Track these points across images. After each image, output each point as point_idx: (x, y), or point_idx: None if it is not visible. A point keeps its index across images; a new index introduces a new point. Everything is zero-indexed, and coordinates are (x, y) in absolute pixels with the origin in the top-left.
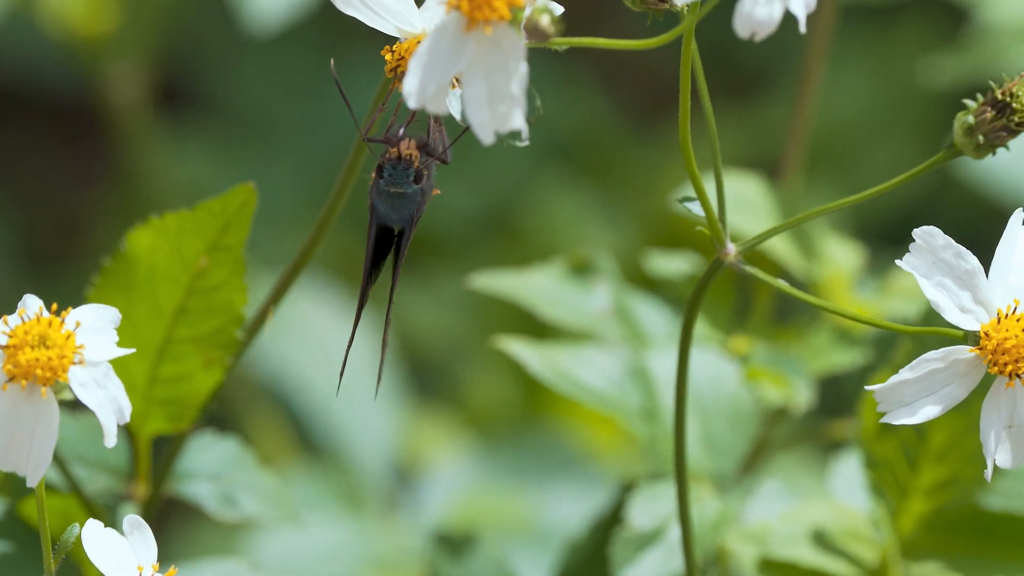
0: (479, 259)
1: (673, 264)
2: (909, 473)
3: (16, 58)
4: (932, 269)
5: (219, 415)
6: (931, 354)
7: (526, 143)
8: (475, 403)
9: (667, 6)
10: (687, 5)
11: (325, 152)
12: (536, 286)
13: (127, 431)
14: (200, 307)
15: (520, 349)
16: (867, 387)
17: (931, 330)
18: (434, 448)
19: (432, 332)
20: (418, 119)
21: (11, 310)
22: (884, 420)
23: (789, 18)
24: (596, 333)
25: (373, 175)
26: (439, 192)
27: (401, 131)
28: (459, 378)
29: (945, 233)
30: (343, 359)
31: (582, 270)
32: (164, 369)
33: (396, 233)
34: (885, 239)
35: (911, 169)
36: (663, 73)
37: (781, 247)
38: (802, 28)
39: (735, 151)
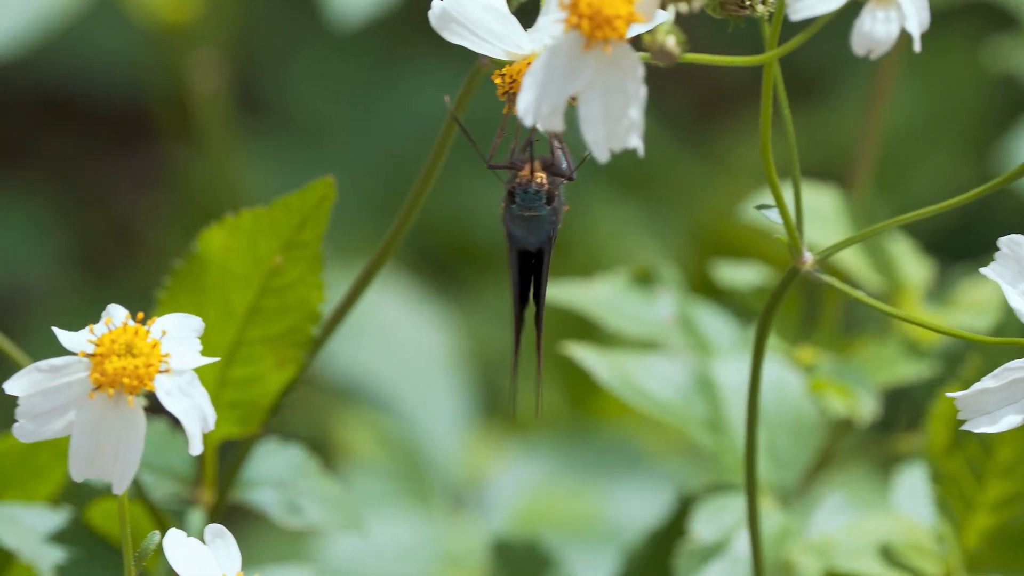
0: None
1: (740, 274)
2: (975, 487)
3: (72, 63)
4: (1018, 277)
5: (290, 408)
6: (1015, 363)
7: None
8: (521, 414)
9: (748, 12)
10: (769, 12)
11: (380, 156)
12: (600, 296)
13: None
14: (274, 306)
15: (588, 357)
16: (948, 395)
17: (1012, 341)
18: (497, 450)
19: (481, 340)
20: (537, 138)
21: (69, 315)
22: (965, 428)
23: (848, 25)
24: (660, 343)
25: (504, 202)
26: (568, 207)
27: (513, 152)
28: (505, 391)
29: None
30: (511, 384)
31: (645, 280)
32: (234, 371)
33: (535, 253)
34: (941, 251)
35: (959, 181)
36: (713, 81)
37: (852, 259)
38: (917, 47)
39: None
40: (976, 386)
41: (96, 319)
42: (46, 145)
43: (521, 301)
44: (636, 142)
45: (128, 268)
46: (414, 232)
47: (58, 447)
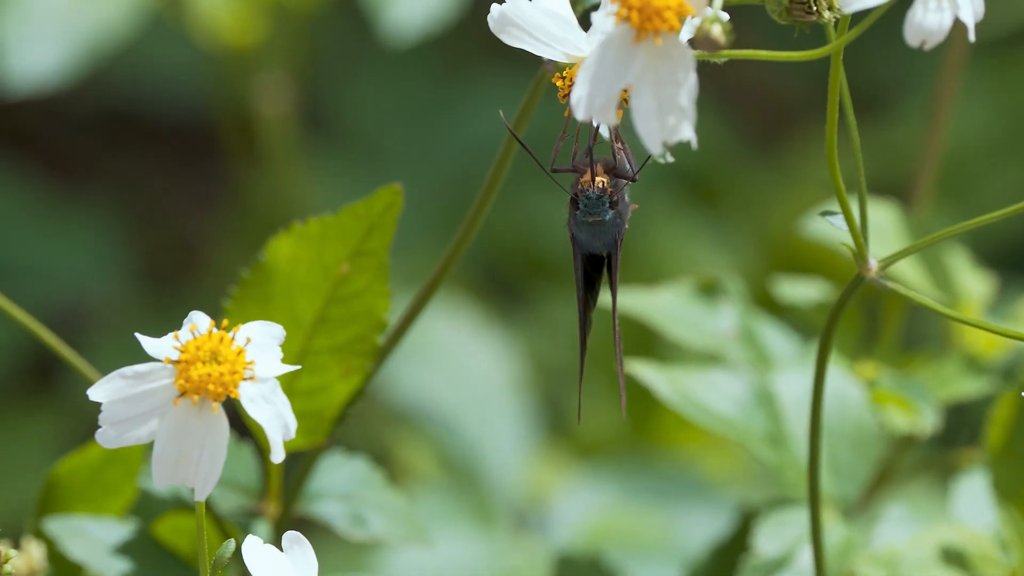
0: None
1: (801, 290)
2: None
3: (136, 81)
4: None
5: (355, 429)
6: None
7: (671, 160)
8: (585, 431)
9: (815, 18)
10: (835, 18)
11: (440, 175)
12: (662, 304)
13: (259, 449)
14: (340, 315)
15: (648, 373)
16: None
17: None
18: (560, 472)
19: (543, 359)
20: (600, 141)
21: (131, 330)
22: None
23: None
24: (720, 355)
25: (568, 207)
26: (637, 207)
27: (570, 156)
28: (565, 405)
29: None
30: (579, 392)
31: (709, 290)
32: (301, 381)
33: (605, 257)
34: (1003, 266)
35: None
36: (780, 95)
37: (911, 274)
38: (971, 36)
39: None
40: None
41: (159, 336)
42: (111, 163)
43: (586, 306)
44: (689, 133)
45: (191, 285)
46: (480, 248)
47: (129, 463)
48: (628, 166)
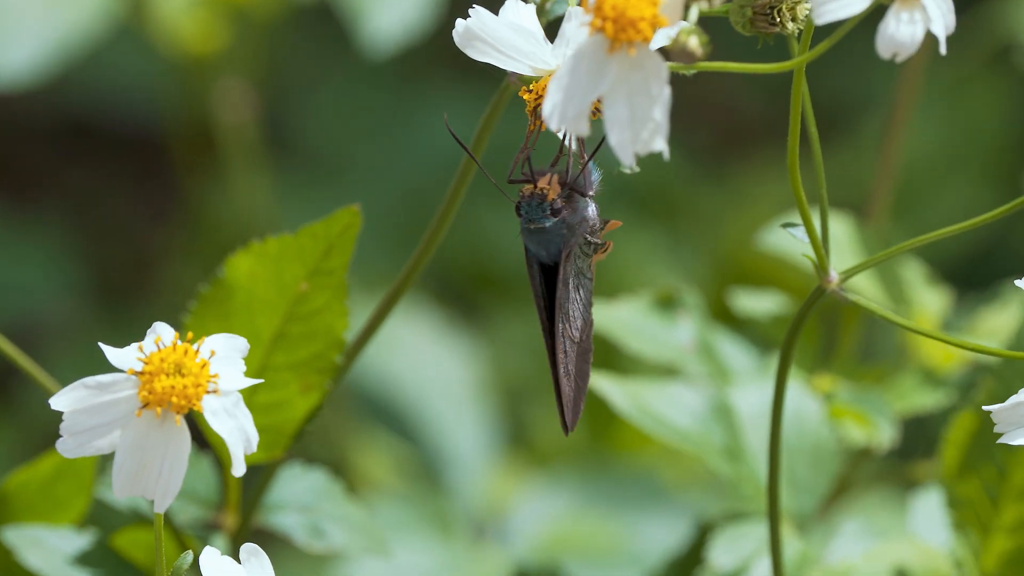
0: None
1: (758, 303)
2: (991, 511)
3: (91, 94)
4: None
5: (317, 437)
6: None
7: (637, 169)
8: (545, 441)
9: (777, 29)
10: (798, 29)
11: (401, 188)
12: (621, 317)
13: (218, 461)
14: (299, 332)
15: (606, 385)
16: (985, 408)
17: None
18: (519, 480)
19: (499, 371)
20: (566, 153)
21: (86, 344)
22: (1002, 440)
23: (872, 57)
24: (679, 367)
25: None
26: (620, 224)
27: (521, 165)
28: (524, 418)
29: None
30: (556, 397)
31: (667, 304)
32: (260, 397)
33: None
34: (959, 280)
35: (981, 212)
36: (734, 115)
37: (870, 288)
38: (943, 49)
39: (816, 192)
40: (1012, 399)
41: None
42: (63, 175)
43: (549, 314)
44: (661, 145)
45: (145, 300)
46: (437, 263)
47: (80, 477)
48: (584, 179)
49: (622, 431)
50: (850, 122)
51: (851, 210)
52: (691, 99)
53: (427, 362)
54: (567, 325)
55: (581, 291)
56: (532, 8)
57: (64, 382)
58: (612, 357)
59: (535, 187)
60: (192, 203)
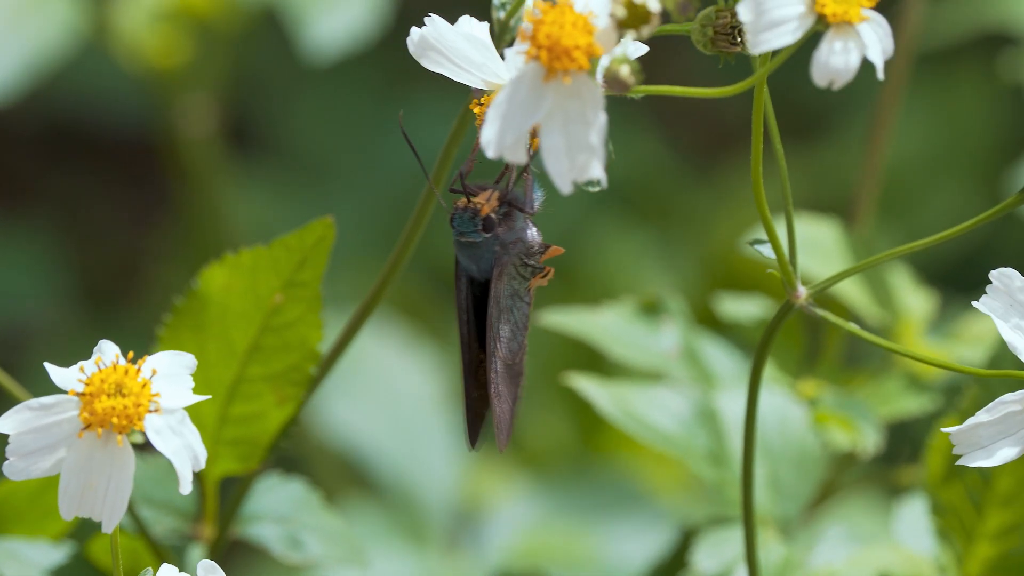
0: (535, 303)
1: (742, 308)
2: (975, 518)
3: (77, 99)
4: (1009, 311)
5: (285, 453)
6: (1008, 396)
7: (602, 187)
8: (532, 443)
9: (739, 49)
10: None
11: (381, 194)
12: (605, 324)
13: (194, 473)
14: (274, 344)
15: (590, 387)
16: (943, 429)
17: (1006, 373)
18: (495, 486)
19: None
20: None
21: (71, 350)
22: (960, 463)
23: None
24: (664, 373)
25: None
26: (562, 251)
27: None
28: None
29: None
30: (464, 418)
31: (651, 310)
32: (235, 409)
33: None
34: (946, 283)
35: (968, 213)
36: (721, 117)
37: (853, 292)
38: (880, 75)
39: (800, 194)
40: (970, 421)
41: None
42: (50, 182)
43: (469, 330)
44: (598, 172)
45: (131, 304)
46: (415, 265)
47: None
48: (524, 196)
49: (608, 434)
50: (836, 121)
51: (837, 211)
52: (677, 103)
53: (396, 372)
54: (499, 345)
55: (515, 312)
56: (485, 25)
57: (50, 387)
58: (597, 363)
59: (468, 201)
60: (177, 208)
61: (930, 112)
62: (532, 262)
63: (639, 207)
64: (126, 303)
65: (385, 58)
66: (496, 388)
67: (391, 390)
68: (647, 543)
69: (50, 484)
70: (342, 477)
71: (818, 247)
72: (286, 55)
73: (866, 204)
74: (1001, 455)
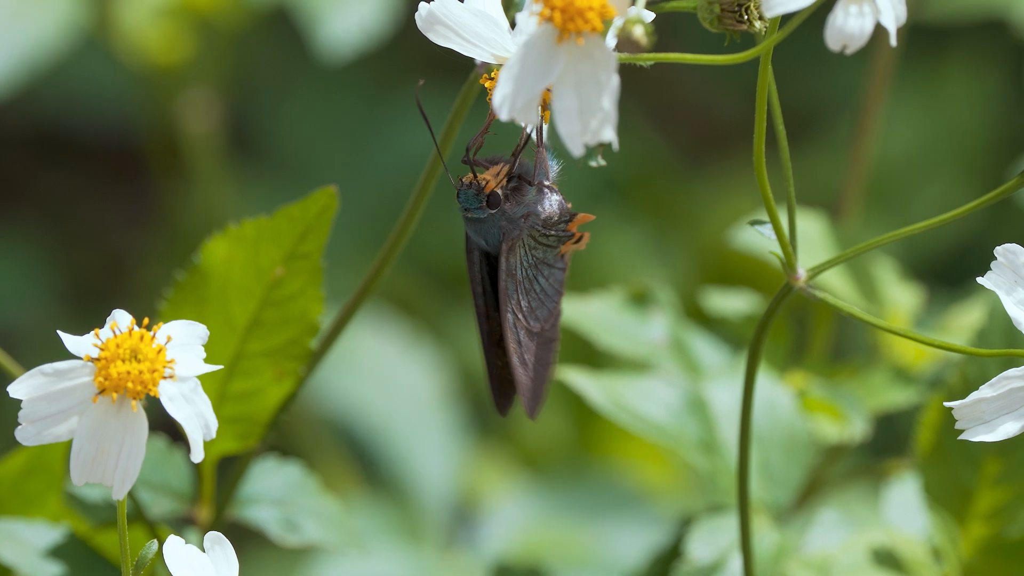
0: None
1: (730, 302)
2: (966, 498)
3: (66, 101)
4: (1014, 286)
5: (282, 446)
6: (1012, 371)
7: (603, 163)
8: (527, 438)
9: (745, 27)
10: (765, 26)
11: (370, 194)
12: (594, 313)
13: None
14: (274, 318)
15: (581, 380)
16: (947, 404)
17: (1003, 352)
18: (493, 483)
19: (475, 377)
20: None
21: (60, 351)
22: (963, 437)
23: (845, 58)
24: (652, 363)
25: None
26: (593, 217)
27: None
28: (492, 425)
29: None
30: (490, 380)
31: (640, 299)
32: (234, 385)
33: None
34: (937, 277)
35: (958, 208)
36: (714, 112)
37: (841, 285)
38: (893, 41)
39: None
40: (973, 395)
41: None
42: (37, 182)
43: (485, 303)
44: (610, 135)
45: (120, 304)
46: (411, 261)
47: (50, 474)
48: (535, 168)
49: (604, 430)
50: (824, 124)
51: (823, 207)
52: (670, 99)
53: (395, 368)
54: (520, 315)
55: (542, 280)
56: (496, 0)
57: None
58: (589, 353)
59: (474, 177)
60: (166, 208)
61: (919, 106)
62: (554, 231)
63: (633, 202)
64: (115, 303)
65: (375, 58)
66: (520, 357)
67: (390, 387)
68: (644, 540)
69: (31, 472)
70: (339, 474)
71: (805, 240)
72: (278, 56)
73: (852, 200)
74: (1003, 430)
